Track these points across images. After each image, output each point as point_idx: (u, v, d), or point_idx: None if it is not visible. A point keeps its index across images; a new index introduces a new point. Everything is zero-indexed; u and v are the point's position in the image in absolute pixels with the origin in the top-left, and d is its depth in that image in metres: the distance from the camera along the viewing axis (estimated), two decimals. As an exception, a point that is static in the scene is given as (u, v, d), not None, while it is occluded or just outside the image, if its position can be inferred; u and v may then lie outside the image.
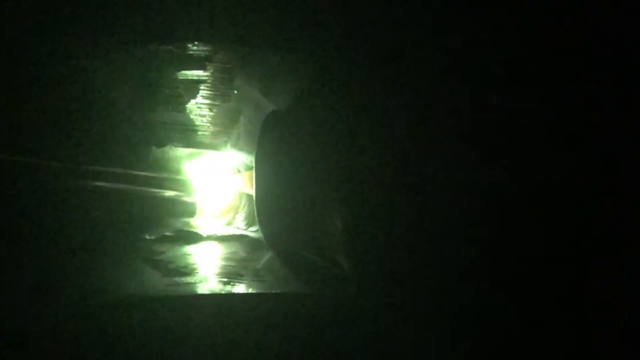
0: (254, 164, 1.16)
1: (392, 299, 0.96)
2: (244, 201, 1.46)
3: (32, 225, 1.19)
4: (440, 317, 0.94)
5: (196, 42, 1.03)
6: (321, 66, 1.07)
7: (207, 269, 1.14)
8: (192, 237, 1.32)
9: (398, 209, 0.94)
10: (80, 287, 1.01)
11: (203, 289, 1.04)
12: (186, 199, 1.47)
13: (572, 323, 0.82)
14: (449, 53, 0.93)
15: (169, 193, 1.44)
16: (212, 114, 1.23)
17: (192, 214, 1.49)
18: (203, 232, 1.35)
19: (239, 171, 1.41)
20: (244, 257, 1.21)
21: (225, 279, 1.07)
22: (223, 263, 1.18)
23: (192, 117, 1.23)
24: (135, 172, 1.35)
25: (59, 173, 1.26)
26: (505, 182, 0.89)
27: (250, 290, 1.03)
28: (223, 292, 1.02)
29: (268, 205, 1.14)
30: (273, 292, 1.04)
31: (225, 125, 1.29)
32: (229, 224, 1.42)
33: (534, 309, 0.87)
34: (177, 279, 1.08)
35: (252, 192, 1.24)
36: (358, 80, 1.01)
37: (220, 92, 1.17)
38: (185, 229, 1.36)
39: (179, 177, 1.45)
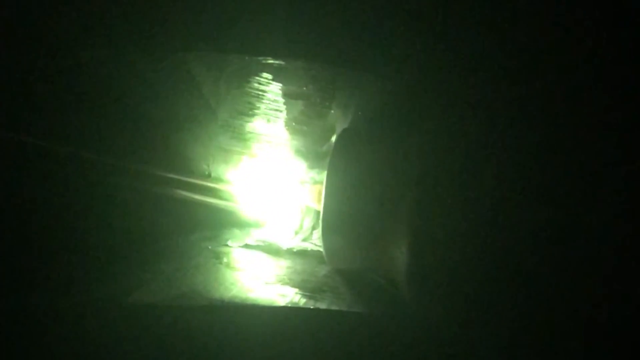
0: (324, 180, 1.16)
1: (455, 323, 0.96)
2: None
3: (119, 231, 1.23)
4: (508, 345, 0.93)
5: (303, 60, 1.06)
6: (398, 86, 1.08)
7: (288, 281, 1.15)
8: (273, 249, 1.34)
9: (468, 235, 0.94)
10: (168, 290, 1.04)
11: (286, 300, 1.04)
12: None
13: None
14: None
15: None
16: (305, 130, 1.25)
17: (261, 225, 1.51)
18: (283, 244, 1.37)
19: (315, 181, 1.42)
20: (324, 274, 1.21)
21: (308, 293, 1.08)
22: (304, 277, 1.19)
23: (286, 131, 1.25)
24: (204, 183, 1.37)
25: (143, 179, 1.29)
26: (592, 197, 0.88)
27: (333, 307, 1.03)
28: (308, 307, 1.02)
29: (334, 222, 1.14)
30: (355, 310, 1.04)
31: (316, 143, 1.31)
32: (306, 239, 1.44)
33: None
34: (260, 288, 1.09)
35: (318, 206, 1.25)
36: (434, 101, 1.02)
37: (317, 111, 1.19)
38: (265, 239, 1.38)
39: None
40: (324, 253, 1.19)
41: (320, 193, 1.19)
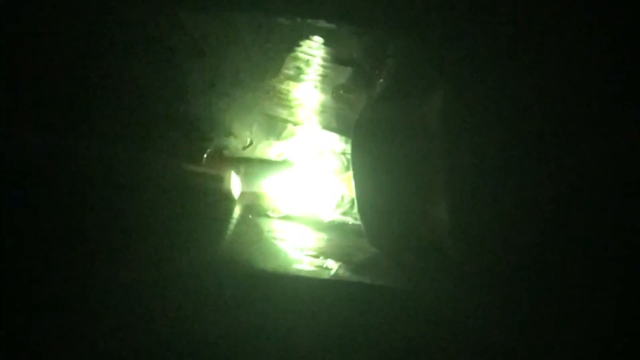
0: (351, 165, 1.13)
1: (496, 298, 0.93)
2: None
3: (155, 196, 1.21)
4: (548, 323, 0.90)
5: (356, 24, 1.02)
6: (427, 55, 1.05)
7: (331, 254, 1.12)
8: (313, 221, 1.31)
9: (506, 203, 0.90)
10: (212, 258, 1.02)
11: (330, 273, 1.02)
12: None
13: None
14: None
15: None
16: (352, 98, 1.20)
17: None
18: (323, 217, 1.34)
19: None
20: (366, 248, 1.18)
21: (352, 267, 1.05)
22: (346, 251, 1.16)
23: (333, 99, 1.21)
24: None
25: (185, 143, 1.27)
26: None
27: (377, 282, 1.01)
28: (353, 280, 1.00)
29: (369, 203, 1.12)
30: (399, 287, 1.02)
31: (362, 113, 1.27)
32: (346, 213, 1.40)
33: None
34: (303, 259, 1.07)
35: (352, 193, 1.22)
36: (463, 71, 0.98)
37: (366, 79, 1.15)
38: (306, 211, 1.35)
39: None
40: (364, 231, 1.16)
41: (350, 179, 1.16)
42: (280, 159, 1.35)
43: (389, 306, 0.96)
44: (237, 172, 1.36)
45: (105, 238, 0.99)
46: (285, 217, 1.31)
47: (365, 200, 1.12)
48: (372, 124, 1.13)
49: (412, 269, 1.08)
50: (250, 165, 1.34)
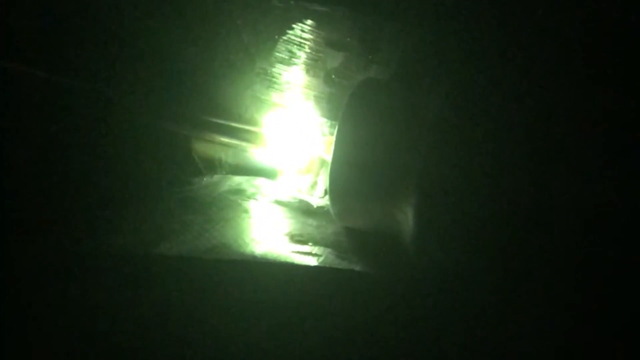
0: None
1: (453, 288, 0.93)
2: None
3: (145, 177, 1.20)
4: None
5: (350, 8, 1.01)
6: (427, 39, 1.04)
7: (320, 240, 1.11)
8: (303, 207, 1.30)
9: (478, 190, 0.90)
10: (198, 242, 1.01)
11: (319, 260, 1.01)
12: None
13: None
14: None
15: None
16: (345, 84, 1.19)
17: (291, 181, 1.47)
18: (313, 203, 1.32)
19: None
20: (356, 236, 1.18)
21: (342, 254, 1.04)
22: (337, 237, 1.15)
23: (325, 84, 1.20)
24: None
25: (171, 122, 1.25)
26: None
27: (367, 270, 1.00)
28: (343, 268, 0.99)
29: (341, 176, 1.09)
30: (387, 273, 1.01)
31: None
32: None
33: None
34: (292, 245, 1.06)
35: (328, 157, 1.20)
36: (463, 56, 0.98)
37: (359, 64, 1.14)
38: (295, 196, 1.34)
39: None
40: (330, 208, 1.14)
41: (330, 144, 1.14)
42: (270, 142, 1.34)
43: (377, 293, 0.96)
44: (227, 155, 1.35)
45: (83, 217, 0.98)
46: (275, 202, 1.30)
47: (339, 171, 1.08)
48: (365, 100, 1.10)
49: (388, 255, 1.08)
50: (240, 147, 1.33)
